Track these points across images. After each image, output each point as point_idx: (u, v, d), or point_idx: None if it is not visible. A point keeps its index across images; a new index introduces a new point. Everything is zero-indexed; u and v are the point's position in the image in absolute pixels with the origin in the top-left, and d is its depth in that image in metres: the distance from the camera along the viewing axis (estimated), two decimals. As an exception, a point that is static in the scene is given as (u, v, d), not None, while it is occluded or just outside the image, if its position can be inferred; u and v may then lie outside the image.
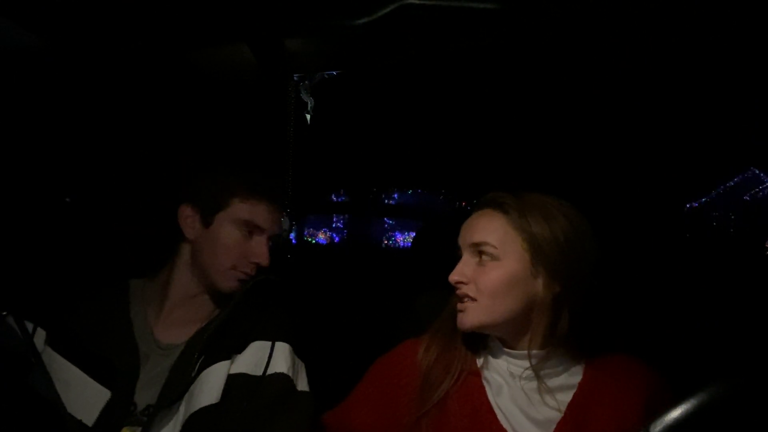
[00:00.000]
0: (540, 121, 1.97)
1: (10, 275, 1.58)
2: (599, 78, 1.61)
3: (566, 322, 1.37)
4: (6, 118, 1.63)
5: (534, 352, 1.37)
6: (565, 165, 2.18)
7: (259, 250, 1.54)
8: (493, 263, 1.37)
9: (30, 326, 1.44)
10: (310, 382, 1.57)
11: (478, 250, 1.39)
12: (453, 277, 1.40)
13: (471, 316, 1.38)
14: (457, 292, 1.40)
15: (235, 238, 1.54)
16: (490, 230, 1.39)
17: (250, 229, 1.54)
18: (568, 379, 1.39)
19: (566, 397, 1.36)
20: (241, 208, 1.54)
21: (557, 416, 1.34)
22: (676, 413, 0.96)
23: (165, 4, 1.25)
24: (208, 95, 1.73)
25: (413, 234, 4.56)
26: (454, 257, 1.44)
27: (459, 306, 1.40)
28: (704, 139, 2.07)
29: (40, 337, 1.47)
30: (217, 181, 1.56)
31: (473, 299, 1.38)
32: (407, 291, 1.55)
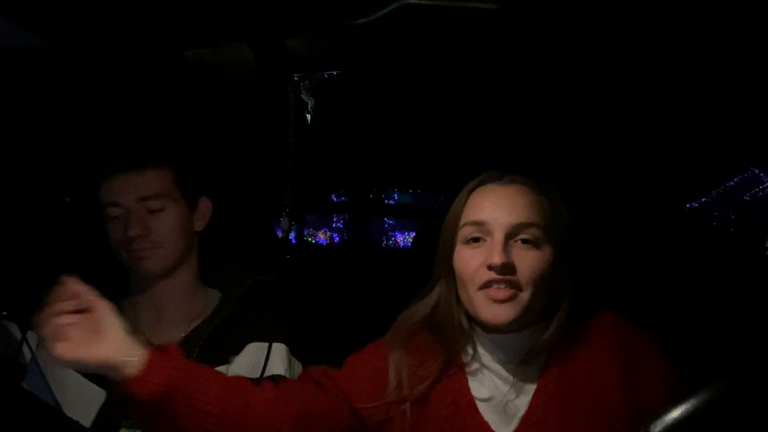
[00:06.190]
0: (541, 121, 1.97)
1: (7, 276, 1.58)
2: (599, 77, 1.61)
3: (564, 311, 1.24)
4: (9, 118, 1.63)
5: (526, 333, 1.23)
6: (566, 165, 2.18)
7: (125, 222, 1.49)
8: (535, 250, 1.19)
9: (25, 327, 1.44)
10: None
11: (521, 233, 1.19)
12: (496, 260, 1.15)
13: (514, 309, 1.17)
14: (493, 277, 1.17)
15: (108, 224, 1.51)
16: (535, 210, 1.21)
17: (117, 209, 1.50)
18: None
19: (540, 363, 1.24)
20: (101, 194, 1.51)
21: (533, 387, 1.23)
22: (676, 413, 0.96)
23: (165, 5, 1.25)
24: (206, 96, 1.73)
25: (413, 234, 4.56)
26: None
27: (494, 294, 1.18)
28: (704, 139, 2.07)
29: (35, 338, 1.47)
30: None
31: (517, 289, 1.17)
32: (407, 291, 1.55)
